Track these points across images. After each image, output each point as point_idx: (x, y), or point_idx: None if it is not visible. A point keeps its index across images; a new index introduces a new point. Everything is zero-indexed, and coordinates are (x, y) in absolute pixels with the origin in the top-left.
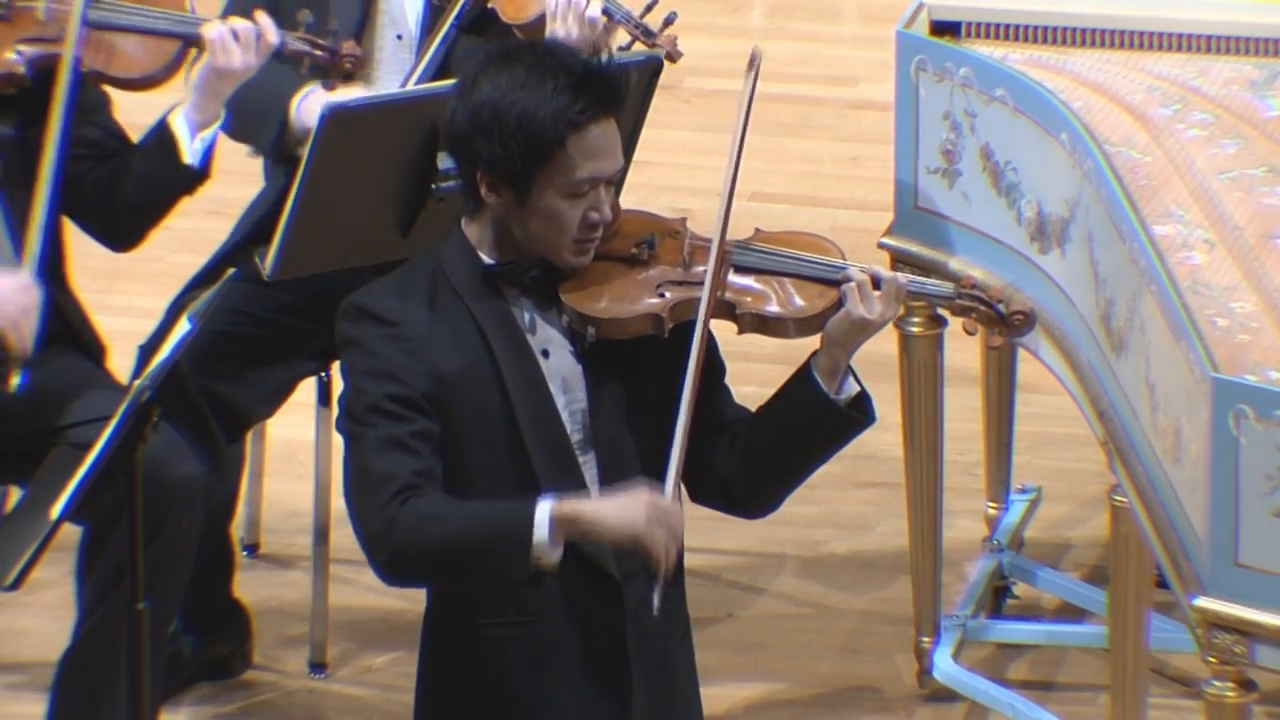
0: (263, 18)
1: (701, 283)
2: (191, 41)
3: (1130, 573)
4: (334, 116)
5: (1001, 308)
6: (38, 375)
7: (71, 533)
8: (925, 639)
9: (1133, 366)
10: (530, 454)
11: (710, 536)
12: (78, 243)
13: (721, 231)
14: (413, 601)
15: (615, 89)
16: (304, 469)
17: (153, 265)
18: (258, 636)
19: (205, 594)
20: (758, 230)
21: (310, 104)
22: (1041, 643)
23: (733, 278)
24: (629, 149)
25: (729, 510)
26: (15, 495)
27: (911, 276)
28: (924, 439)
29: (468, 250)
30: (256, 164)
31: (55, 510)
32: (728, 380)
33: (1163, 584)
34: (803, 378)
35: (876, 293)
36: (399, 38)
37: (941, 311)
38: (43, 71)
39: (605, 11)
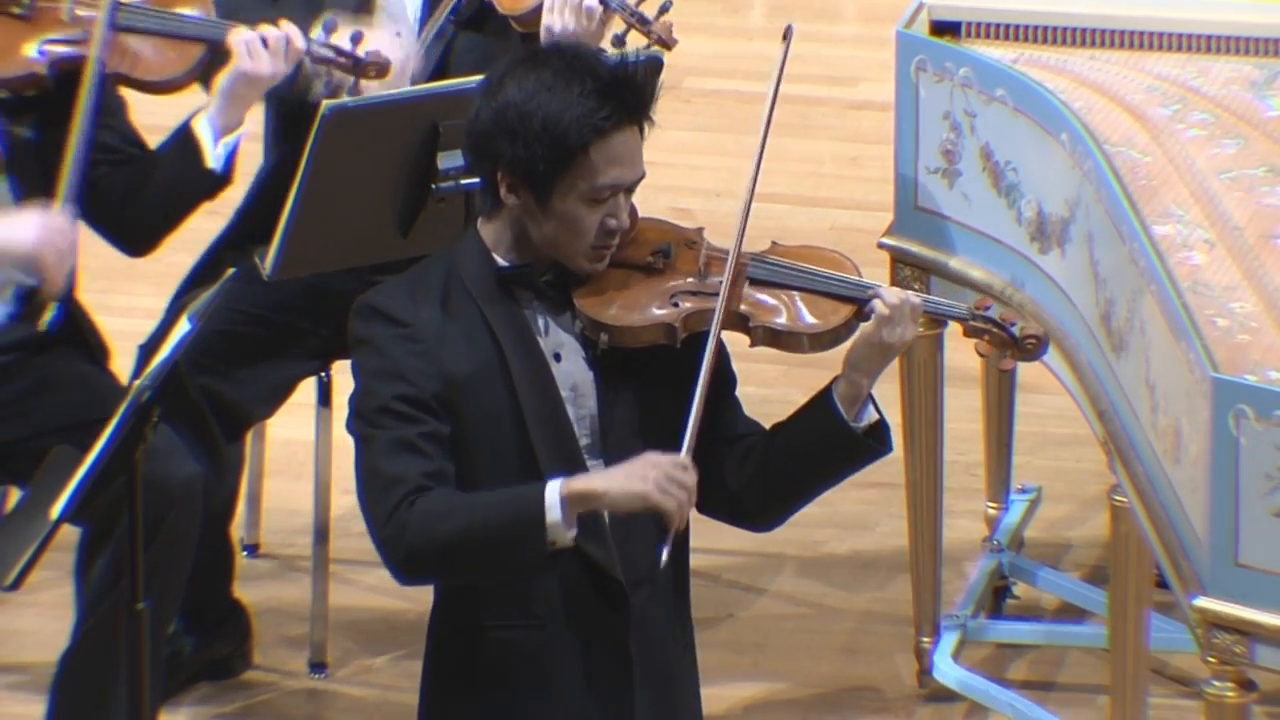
0: (289, 25)
1: (716, 294)
2: (216, 46)
3: (1130, 573)
4: (334, 116)
5: (1015, 331)
6: (39, 375)
7: (71, 533)
8: (925, 639)
9: (1133, 366)
10: (538, 457)
11: (710, 536)
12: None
13: (737, 242)
14: (413, 602)
15: (641, 96)
16: (304, 469)
17: (153, 265)
18: (258, 636)
19: (205, 594)
20: (774, 243)
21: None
22: (1041, 643)
23: (748, 290)
24: None
25: (735, 522)
26: (15, 495)
27: (926, 296)
28: (924, 439)
29: (482, 251)
30: (257, 164)
31: (55, 510)
32: None
33: (1163, 584)
34: (823, 404)
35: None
36: (398, 34)
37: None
38: (65, 73)
39: (601, 1)
